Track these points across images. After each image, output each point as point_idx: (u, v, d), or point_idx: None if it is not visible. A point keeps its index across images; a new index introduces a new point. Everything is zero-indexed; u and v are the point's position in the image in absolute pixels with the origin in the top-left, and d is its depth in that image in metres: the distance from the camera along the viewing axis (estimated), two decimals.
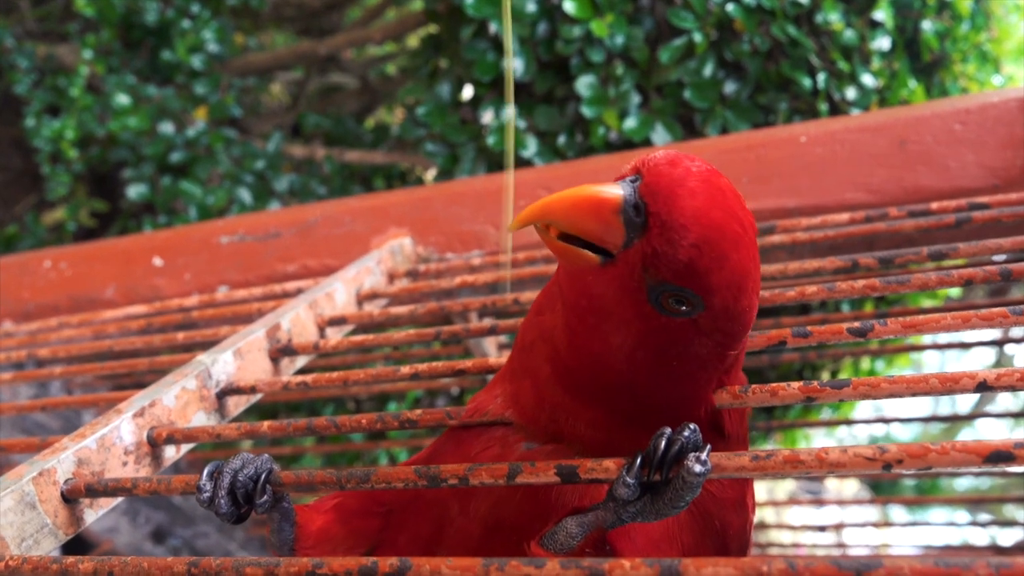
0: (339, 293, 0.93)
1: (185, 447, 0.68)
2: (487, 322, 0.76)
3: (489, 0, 1.95)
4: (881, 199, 1.07)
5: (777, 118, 1.97)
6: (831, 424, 2.39)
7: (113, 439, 0.61)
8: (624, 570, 0.36)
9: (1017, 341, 1.53)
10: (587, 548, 0.47)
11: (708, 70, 1.94)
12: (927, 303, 2.08)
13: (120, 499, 0.61)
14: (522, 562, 0.37)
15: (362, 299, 0.98)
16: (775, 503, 2.27)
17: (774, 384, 0.52)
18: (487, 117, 2.05)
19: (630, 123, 1.93)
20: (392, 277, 1.08)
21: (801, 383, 0.51)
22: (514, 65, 1.98)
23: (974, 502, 2.82)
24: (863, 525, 1.89)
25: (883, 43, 2.05)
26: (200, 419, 0.69)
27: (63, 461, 0.57)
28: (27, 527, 0.54)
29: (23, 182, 3.44)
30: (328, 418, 0.62)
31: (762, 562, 0.34)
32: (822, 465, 0.42)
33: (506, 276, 0.92)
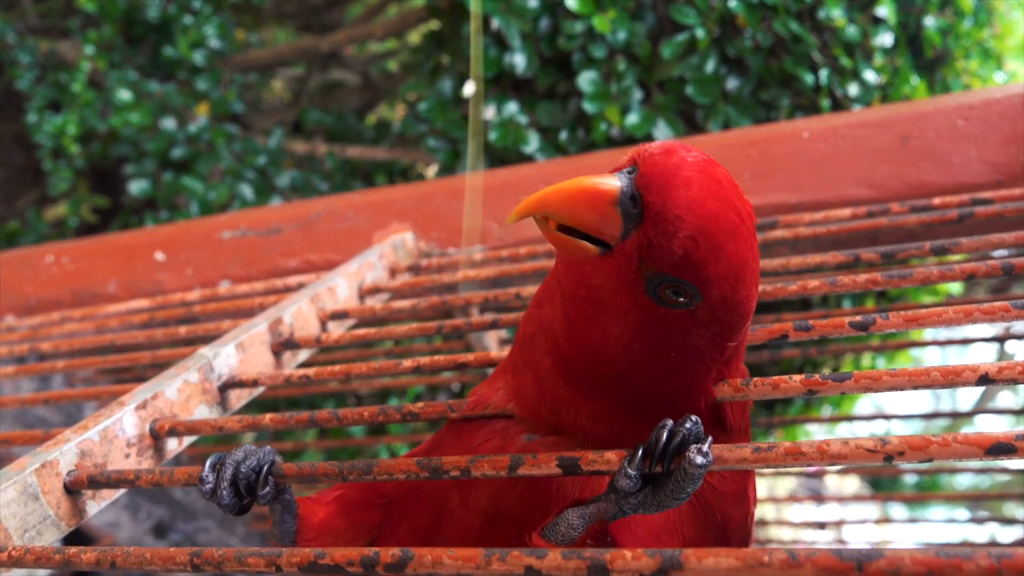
0: (341, 287, 0.93)
1: (187, 440, 0.68)
2: (489, 316, 0.76)
3: None
4: (883, 195, 1.07)
5: (779, 114, 1.97)
6: (832, 421, 2.39)
7: (116, 431, 0.62)
8: (625, 560, 0.36)
9: (1019, 338, 1.53)
10: (588, 540, 0.47)
11: (710, 66, 1.94)
12: (928, 301, 2.08)
13: (122, 491, 0.62)
14: (524, 552, 0.37)
15: (364, 293, 0.98)
16: (775, 500, 2.27)
17: (776, 377, 0.52)
18: (489, 113, 2.05)
19: (632, 119, 1.93)
20: (394, 272, 1.08)
21: (803, 376, 0.51)
22: (516, 61, 1.98)
23: (974, 499, 2.81)
24: (863, 522, 1.89)
25: (885, 39, 2.04)
26: (202, 412, 0.70)
27: (66, 453, 0.57)
28: (30, 518, 0.54)
29: (25, 178, 3.44)
30: (330, 411, 0.62)
31: (763, 553, 0.34)
32: (823, 457, 0.42)
33: (464, 276, 0.92)
